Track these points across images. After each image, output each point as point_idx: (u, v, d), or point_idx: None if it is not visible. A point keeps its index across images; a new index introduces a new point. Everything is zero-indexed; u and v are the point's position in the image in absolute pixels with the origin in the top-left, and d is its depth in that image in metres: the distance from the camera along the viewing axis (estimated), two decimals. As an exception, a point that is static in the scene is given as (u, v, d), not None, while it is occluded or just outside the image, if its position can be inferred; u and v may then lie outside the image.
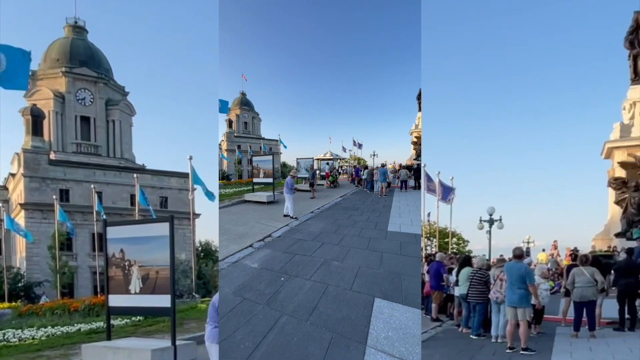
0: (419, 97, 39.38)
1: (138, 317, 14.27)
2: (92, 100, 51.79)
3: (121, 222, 8.84)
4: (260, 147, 68.73)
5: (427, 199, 24.28)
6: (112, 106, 52.98)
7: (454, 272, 11.53)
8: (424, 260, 13.86)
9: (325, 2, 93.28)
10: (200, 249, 51.57)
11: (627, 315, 10.35)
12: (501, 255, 13.27)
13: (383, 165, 29.83)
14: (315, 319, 6.18)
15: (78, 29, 53.44)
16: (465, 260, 11.40)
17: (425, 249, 30.43)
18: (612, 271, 11.43)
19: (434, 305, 12.03)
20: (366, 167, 34.69)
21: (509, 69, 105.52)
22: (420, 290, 7.62)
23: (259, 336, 5.58)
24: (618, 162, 18.93)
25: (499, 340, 9.36)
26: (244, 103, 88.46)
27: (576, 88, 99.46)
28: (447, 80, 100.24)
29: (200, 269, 41.04)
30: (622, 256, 11.58)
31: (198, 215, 48.22)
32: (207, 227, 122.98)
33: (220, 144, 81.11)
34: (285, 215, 16.38)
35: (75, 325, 13.87)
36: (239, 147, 72.75)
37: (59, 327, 13.58)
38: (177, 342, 7.35)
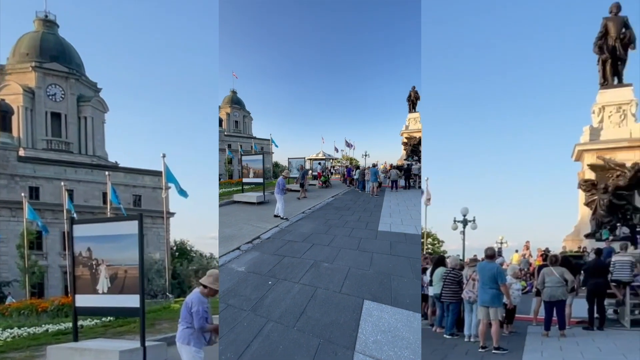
0: (409, 99, 40.64)
1: (108, 318, 13.95)
2: (63, 96, 50.56)
3: (88, 220, 8.61)
4: (252, 147, 67.29)
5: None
6: (84, 102, 51.78)
7: (428, 272, 11.59)
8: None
9: (317, 2, 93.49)
10: (175, 248, 50.93)
11: (596, 315, 10.57)
12: (474, 256, 13.42)
13: (374, 166, 30.58)
14: (302, 324, 6.03)
15: (49, 23, 52.10)
16: (439, 260, 11.47)
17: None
18: (582, 271, 11.65)
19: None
20: (358, 167, 35.25)
21: (481, 74, 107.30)
22: (409, 290, 7.55)
23: (241, 345, 5.37)
24: (588, 165, 19.31)
25: (472, 340, 9.43)
26: (235, 101, 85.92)
27: (548, 92, 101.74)
28: (430, 83, 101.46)
29: (175, 268, 40.66)
30: (592, 257, 11.81)
31: (172, 214, 47.65)
32: (183, 227, 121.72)
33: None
34: (275, 216, 16.21)
35: (43, 326, 13.45)
36: (229, 146, 70.55)
37: (25, 328, 13.14)
38: (147, 343, 7.17)
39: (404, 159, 37.71)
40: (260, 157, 24.46)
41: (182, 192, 23.17)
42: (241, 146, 59.61)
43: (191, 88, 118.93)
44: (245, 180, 25.04)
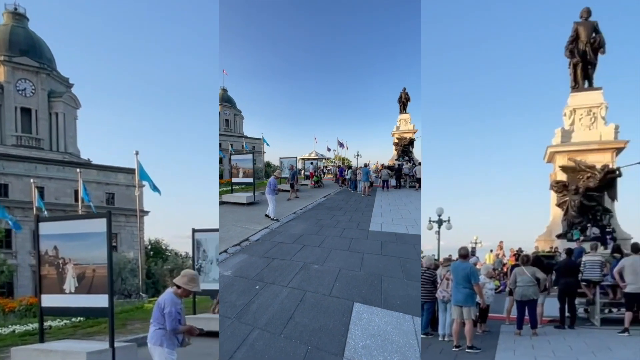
0: (400, 100, 41.47)
1: (78, 318, 13.60)
2: (33, 91, 49.34)
3: (55, 218, 8.38)
4: (242, 146, 66.36)
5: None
6: (55, 98, 50.61)
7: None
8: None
9: (311, 2, 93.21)
10: (149, 247, 50.14)
11: (567, 314, 10.75)
12: (449, 255, 13.49)
13: (366, 165, 31.19)
14: (290, 331, 5.83)
15: (18, 16, 50.82)
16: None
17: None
18: (554, 271, 11.83)
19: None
20: (350, 167, 35.58)
21: (454, 76, 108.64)
22: (399, 291, 7.51)
23: (224, 356, 5.15)
24: (559, 166, 19.61)
25: (446, 339, 9.47)
26: (225, 99, 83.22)
27: (520, 94, 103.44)
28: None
29: (150, 268, 40.07)
30: (563, 257, 11.99)
31: (147, 212, 46.91)
32: (158, 225, 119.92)
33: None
34: (266, 216, 15.99)
35: (10, 326, 13.03)
36: (219, 145, 69.57)
37: (-10, 328, 12.75)
38: (117, 344, 7.01)
39: (395, 159, 38.45)
40: (250, 156, 23.88)
41: (155, 189, 22.87)
42: (232, 145, 58.89)
43: (176, 84, 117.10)
44: (234, 180, 24.32)
